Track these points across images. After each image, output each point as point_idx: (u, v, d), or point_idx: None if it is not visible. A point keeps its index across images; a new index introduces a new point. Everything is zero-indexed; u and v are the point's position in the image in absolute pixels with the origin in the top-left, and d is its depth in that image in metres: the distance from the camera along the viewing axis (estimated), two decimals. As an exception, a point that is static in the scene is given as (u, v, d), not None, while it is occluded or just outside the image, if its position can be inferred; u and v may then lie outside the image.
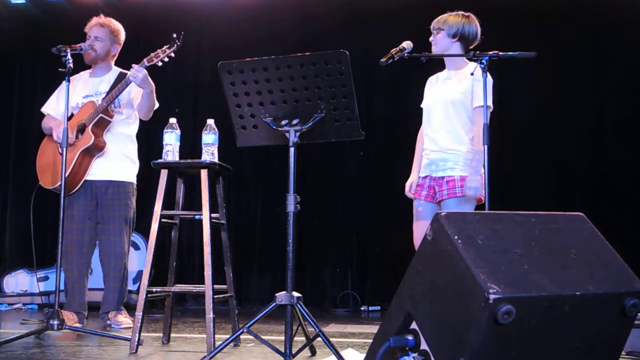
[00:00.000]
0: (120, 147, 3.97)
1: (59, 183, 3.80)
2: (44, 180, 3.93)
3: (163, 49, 3.60)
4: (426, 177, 3.21)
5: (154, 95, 3.85)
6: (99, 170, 3.91)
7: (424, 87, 3.39)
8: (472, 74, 3.05)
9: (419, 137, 3.35)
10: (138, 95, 3.89)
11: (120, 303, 3.92)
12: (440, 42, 3.18)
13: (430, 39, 3.22)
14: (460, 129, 3.13)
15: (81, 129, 3.85)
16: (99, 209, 3.93)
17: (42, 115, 4.10)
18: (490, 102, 3.07)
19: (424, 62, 3.26)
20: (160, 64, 3.63)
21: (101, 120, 3.84)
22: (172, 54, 3.60)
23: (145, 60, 3.63)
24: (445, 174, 3.11)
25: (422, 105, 3.35)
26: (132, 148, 4.06)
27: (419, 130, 3.39)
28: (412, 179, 3.30)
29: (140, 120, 4.10)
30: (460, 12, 3.22)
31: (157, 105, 4.00)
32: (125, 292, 3.98)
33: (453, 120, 3.13)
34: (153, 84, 3.78)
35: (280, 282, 5.49)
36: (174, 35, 3.54)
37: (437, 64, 3.39)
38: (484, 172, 2.93)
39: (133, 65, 3.65)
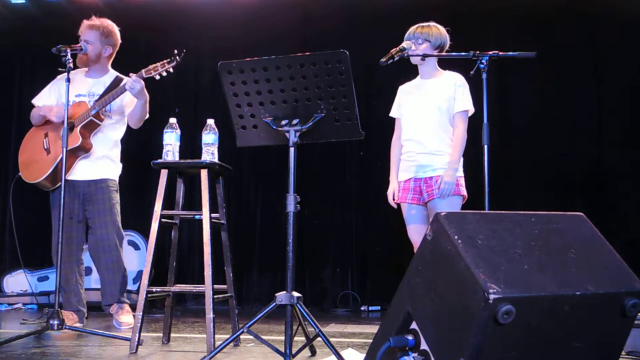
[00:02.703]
0: (104, 150, 3.98)
1: (41, 178, 3.85)
2: (26, 174, 3.95)
3: (162, 62, 3.59)
4: (409, 179, 3.25)
5: (147, 106, 3.86)
6: (82, 172, 3.92)
7: None
8: (471, 73, 3.09)
9: (394, 146, 3.39)
10: (131, 104, 3.92)
11: (121, 294, 3.91)
12: (424, 52, 3.21)
13: (412, 47, 3.21)
14: (445, 132, 3.23)
15: (69, 128, 3.85)
16: (83, 207, 3.94)
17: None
18: (469, 106, 3.24)
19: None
20: (157, 77, 3.63)
21: (91, 122, 3.85)
22: (171, 69, 3.60)
23: (143, 71, 3.63)
24: (435, 173, 3.18)
25: (394, 115, 3.40)
26: (116, 151, 4.08)
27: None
28: (394, 187, 3.32)
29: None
30: (436, 24, 3.28)
31: (147, 115, 4.01)
32: (125, 283, 3.97)
33: (439, 125, 3.22)
34: (147, 95, 3.79)
35: (280, 282, 5.50)
36: (175, 51, 3.54)
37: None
38: (485, 173, 2.98)
39: (131, 74, 3.66)
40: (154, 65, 3.62)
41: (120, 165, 4.11)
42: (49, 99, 4.02)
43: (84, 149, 3.87)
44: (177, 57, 3.54)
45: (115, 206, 3.98)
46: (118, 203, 4.02)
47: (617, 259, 1.76)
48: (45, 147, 3.90)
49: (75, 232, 3.94)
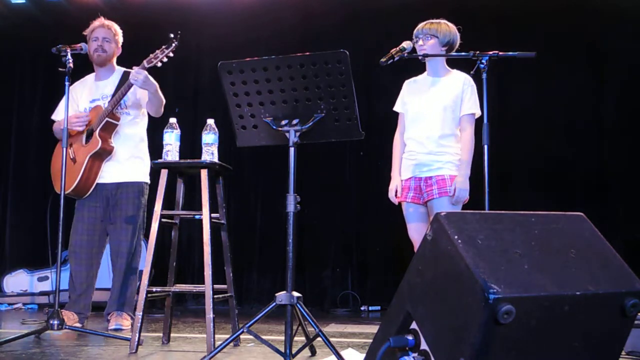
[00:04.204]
0: (129, 149, 3.95)
1: (71, 188, 3.82)
2: (57, 185, 3.93)
3: (161, 49, 3.60)
4: (410, 178, 3.22)
5: (160, 92, 3.83)
6: (110, 174, 3.90)
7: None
8: (471, 73, 3.08)
9: (397, 142, 3.36)
10: (145, 95, 3.89)
11: (122, 305, 3.87)
12: (432, 49, 3.19)
13: (420, 43, 3.20)
14: (448, 133, 3.19)
15: (90, 134, 3.85)
16: (109, 210, 3.92)
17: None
18: (477, 109, 3.20)
19: (424, 62, 3.28)
20: (159, 64, 3.63)
21: (108, 124, 3.83)
22: (171, 54, 3.60)
23: (144, 61, 3.63)
24: (435, 173, 3.15)
25: (398, 109, 3.36)
26: (142, 147, 4.03)
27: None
28: (397, 183, 3.29)
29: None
30: (447, 22, 3.25)
31: (164, 100, 3.99)
32: (130, 294, 3.90)
33: (443, 124, 3.18)
34: (156, 82, 3.77)
35: (280, 282, 5.50)
36: (171, 35, 3.54)
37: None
38: (485, 173, 2.97)
39: (133, 67, 3.65)
40: (153, 54, 3.62)
41: (148, 162, 4.02)
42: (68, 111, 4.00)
43: (106, 152, 3.85)
44: (175, 40, 3.54)
45: (139, 212, 3.93)
46: (143, 208, 3.96)
47: (617, 259, 1.76)
48: (72, 156, 3.88)
49: (97, 236, 3.93)
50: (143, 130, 4.06)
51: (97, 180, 3.88)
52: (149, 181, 4.04)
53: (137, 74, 3.61)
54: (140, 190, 3.96)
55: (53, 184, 3.97)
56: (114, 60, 4.10)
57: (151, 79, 3.70)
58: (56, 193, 3.98)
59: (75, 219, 3.93)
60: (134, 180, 3.94)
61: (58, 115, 4.06)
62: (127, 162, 3.94)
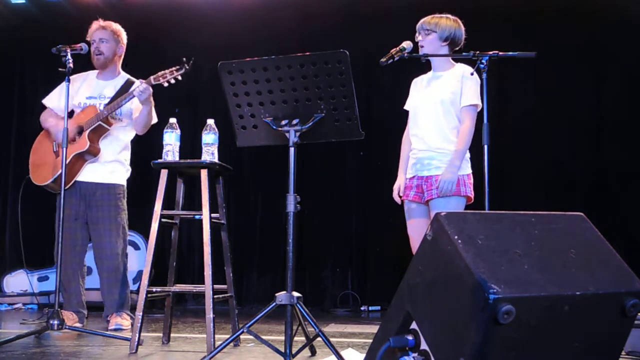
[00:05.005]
0: (114, 153, 3.96)
1: (50, 180, 3.83)
2: (35, 176, 3.93)
3: (171, 70, 3.59)
4: (413, 177, 3.19)
5: (152, 113, 3.85)
6: (90, 173, 3.90)
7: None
8: (472, 73, 3.06)
9: (404, 140, 3.33)
10: (139, 109, 3.90)
11: (119, 306, 3.88)
12: (431, 44, 3.16)
13: (419, 38, 3.18)
14: (449, 128, 3.12)
15: (78, 132, 3.84)
16: (88, 210, 3.92)
17: (42, 110, 4.09)
18: (477, 100, 3.11)
19: (424, 62, 3.28)
20: (166, 84, 3.63)
21: (99, 127, 3.83)
22: (180, 77, 3.60)
23: (151, 78, 3.62)
24: (435, 173, 3.09)
25: (406, 107, 3.34)
26: (126, 154, 4.06)
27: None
28: (400, 182, 3.27)
29: None
30: (450, 16, 3.21)
31: (155, 120, 3.98)
32: (126, 295, 3.93)
33: (442, 120, 3.12)
34: (153, 102, 3.79)
35: (280, 282, 5.50)
36: (184, 59, 3.53)
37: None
38: (485, 173, 2.94)
39: (140, 80, 3.64)
40: (162, 72, 3.61)
41: (129, 169, 4.07)
42: (59, 102, 3.94)
43: (91, 154, 3.85)
44: (187, 65, 3.53)
45: (122, 214, 3.95)
46: (125, 211, 3.99)
47: (617, 259, 1.76)
48: (55, 149, 3.89)
49: (79, 234, 3.93)
50: (130, 138, 4.07)
51: (76, 178, 3.87)
52: (125, 185, 4.04)
53: (146, 90, 3.63)
54: (120, 192, 3.98)
55: (30, 173, 3.96)
56: (119, 63, 4.08)
57: (151, 98, 3.71)
58: (27, 182, 3.99)
59: (57, 218, 3.92)
60: (113, 182, 3.95)
61: (51, 101, 4.05)
62: (110, 165, 3.94)
